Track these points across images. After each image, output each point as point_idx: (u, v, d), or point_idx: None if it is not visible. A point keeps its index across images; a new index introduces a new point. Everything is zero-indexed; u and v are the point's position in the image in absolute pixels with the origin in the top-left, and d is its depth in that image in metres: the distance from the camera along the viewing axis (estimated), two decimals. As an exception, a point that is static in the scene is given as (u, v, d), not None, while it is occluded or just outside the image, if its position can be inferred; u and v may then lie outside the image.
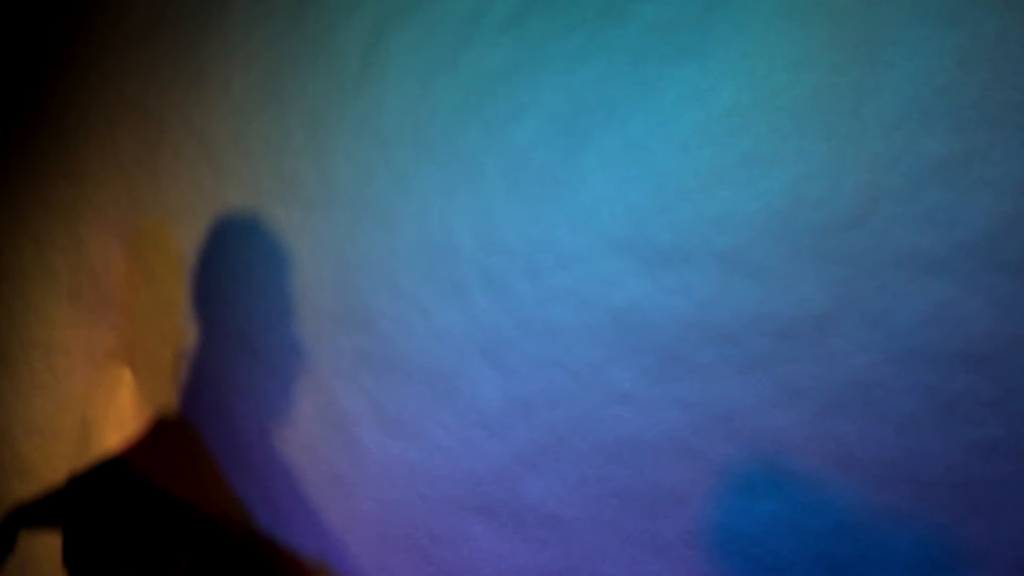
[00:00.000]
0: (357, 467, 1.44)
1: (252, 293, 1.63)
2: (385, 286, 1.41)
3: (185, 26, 1.83)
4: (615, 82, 1.15)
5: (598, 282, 1.16)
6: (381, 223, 1.42)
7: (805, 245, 1.00)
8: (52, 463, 2.02)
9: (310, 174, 1.53)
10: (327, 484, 1.48)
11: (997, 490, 0.89)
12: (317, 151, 1.52)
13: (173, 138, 1.83)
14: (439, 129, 1.34)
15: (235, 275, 1.67)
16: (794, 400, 1.01)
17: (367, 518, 1.42)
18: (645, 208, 1.12)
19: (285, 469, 1.55)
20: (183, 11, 1.84)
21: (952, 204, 0.91)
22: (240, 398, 1.65)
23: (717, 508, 1.06)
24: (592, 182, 1.17)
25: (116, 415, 1.91)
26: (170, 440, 1.77)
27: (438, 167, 1.34)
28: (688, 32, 1.09)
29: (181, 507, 1.50)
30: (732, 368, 1.05)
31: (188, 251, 1.78)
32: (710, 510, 1.07)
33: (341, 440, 1.46)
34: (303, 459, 1.52)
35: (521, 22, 1.25)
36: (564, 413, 1.19)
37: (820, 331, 0.99)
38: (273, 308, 1.59)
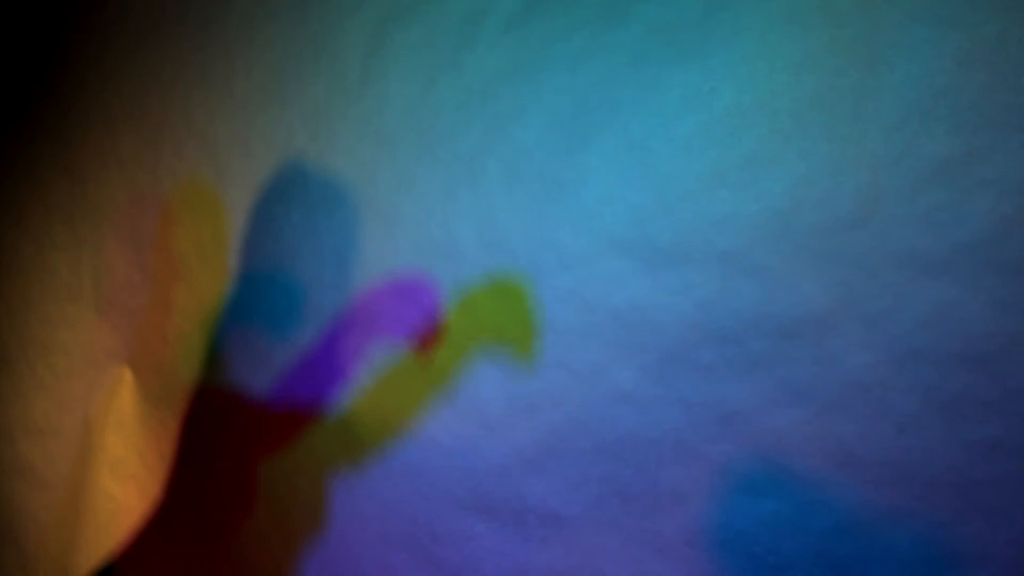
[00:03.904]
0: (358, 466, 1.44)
1: (254, 293, 1.63)
2: (384, 286, 1.41)
3: (187, 26, 1.82)
4: (617, 83, 1.15)
5: (600, 282, 1.16)
6: (383, 223, 1.42)
7: (806, 245, 1.00)
8: (52, 463, 2.02)
9: (312, 174, 1.53)
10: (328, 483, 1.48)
11: (997, 490, 0.89)
12: (319, 151, 1.52)
13: (174, 138, 1.83)
14: (441, 129, 1.34)
15: (237, 275, 1.67)
16: (795, 400, 1.01)
17: (368, 517, 1.42)
18: (647, 209, 1.12)
19: (286, 468, 1.55)
20: (185, 11, 1.83)
21: (952, 205, 0.91)
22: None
23: (718, 507, 1.06)
24: (594, 183, 1.17)
25: (116, 415, 1.90)
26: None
27: (440, 167, 1.34)
28: (689, 33, 1.09)
29: None
30: (733, 368, 1.05)
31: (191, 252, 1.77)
32: (711, 509, 1.07)
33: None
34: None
35: (523, 22, 1.25)
36: (565, 412, 1.19)
37: (821, 331, 0.99)
38: (275, 308, 1.59)
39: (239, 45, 1.69)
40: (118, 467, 1.88)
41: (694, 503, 1.08)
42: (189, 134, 1.79)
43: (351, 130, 1.47)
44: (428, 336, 1.33)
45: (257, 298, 1.62)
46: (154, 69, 1.90)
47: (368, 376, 1.43)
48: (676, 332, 1.09)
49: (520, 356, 1.20)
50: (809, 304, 1.00)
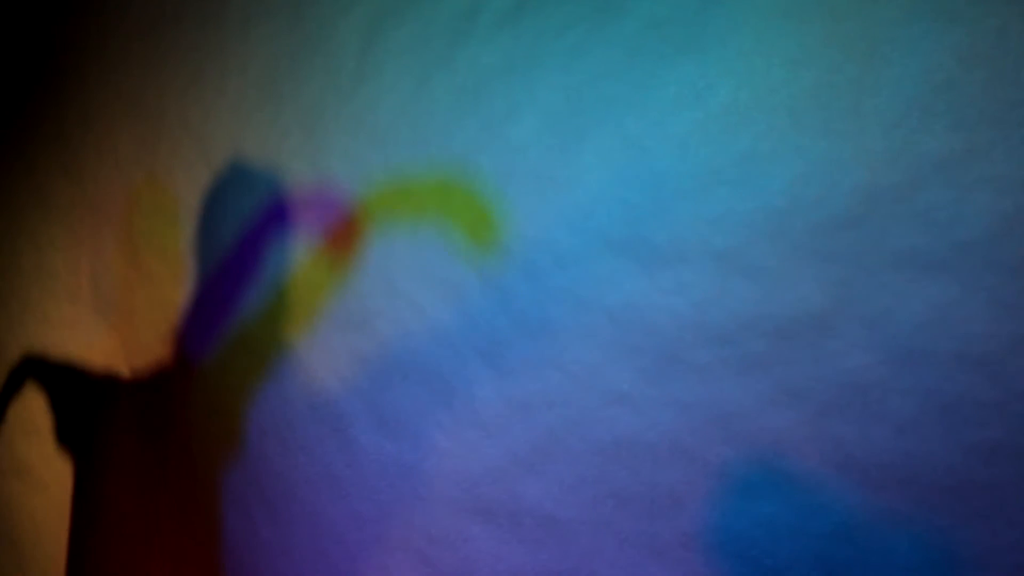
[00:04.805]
0: (354, 468, 1.44)
1: (249, 292, 1.63)
2: (381, 286, 1.41)
3: (183, 26, 1.82)
4: (612, 80, 1.14)
5: (595, 282, 1.15)
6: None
7: (803, 244, 0.99)
8: (50, 463, 2.02)
9: (306, 173, 1.53)
10: (324, 485, 1.48)
11: (997, 493, 0.88)
12: (313, 150, 1.52)
13: (171, 137, 1.83)
14: (435, 127, 1.34)
15: (233, 274, 1.67)
16: (792, 401, 1.00)
17: (364, 519, 1.42)
18: (642, 207, 1.11)
19: (282, 469, 1.55)
20: (181, 11, 1.83)
21: (952, 203, 0.90)
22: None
23: (715, 510, 1.06)
24: (589, 181, 1.16)
25: (114, 415, 1.90)
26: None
27: (434, 166, 1.34)
28: (685, 29, 1.08)
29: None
30: (730, 369, 1.04)
31: (185, 250, 1.78)
32: (708, 512, 1.06)
33: (337, 441, 1.46)
34: (299, 460, 1.52)
35: (517, 19, 1.24)
36: (561, 414, 1.19)
37: (818, 331, 0.98)
38: (270, 308, 1.59)
39: (234, 44, 1.69)
40: (116, 468, 1.88)
41: (691, 505, 1.07)
42: (185, 133, 1.79)
43: (345, 128, 1.47)
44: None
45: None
46: (151, 69, 1.90)
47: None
48: (672, 332, 1.09)
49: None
50: (807, 304, 0.99)
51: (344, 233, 1.37)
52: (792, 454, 1.00)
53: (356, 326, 1.44)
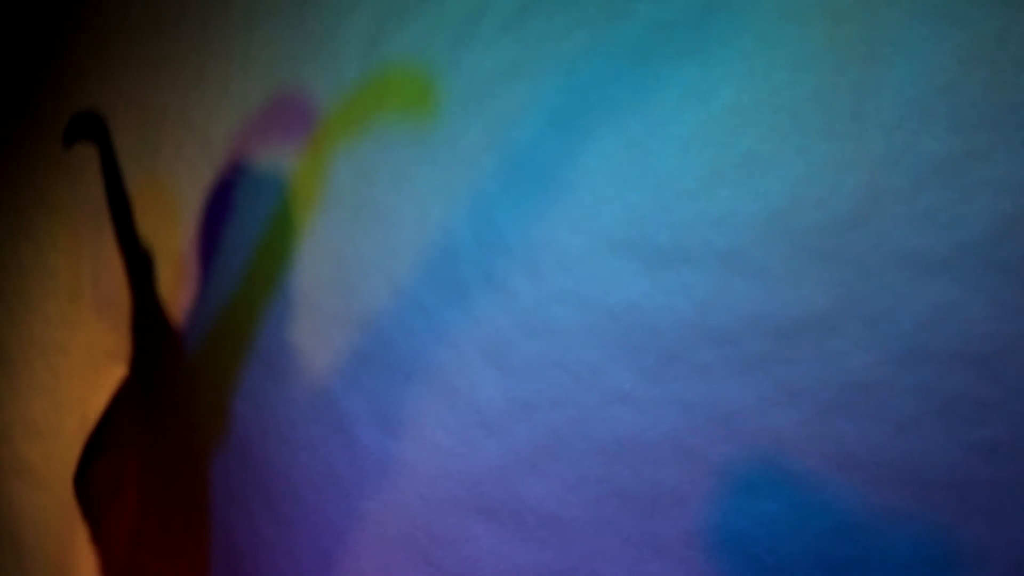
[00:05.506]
0: (356, 467, 1.44)
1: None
2: (385, 286, 1.41)
3: (185, 26, 1.83)
4: (615, 82, 1.15)
5: (598, 282, 1.16)
6: (381, 223, 1.42)
7: (805, 245, 1.00)
8: (51, 463, 2.02)
9: (310, 174, 1.53)
10: (326, 484, 1.48)
11: (998, 491, 0.88)
12: (317, 151, 1.52)
13: (173, 138, 1.83)
14: (439, 129, 1.34)
15: (234, 274, 1.67)
16: (794, 400, 1.01)
17: (366, 518, 1.42)
18: (645, 208, 1.12)
19: (284, 469, 1.55)
20: (183, 11, 1.84)
21: (953, 204, 0.91)
22: (239, 397, 1.65)
23: (717, 508, 1.06)
24: (592, 182, 1.17)
25: (115, 415, 1.90)
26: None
27: (438, 167, 1.34)
28: (689, 32, 1.09)
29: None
30: (732, 368, 1.05)
31: (187, 251, 1.78)
32: (710, 510, 1.07)
33: (340, 440, 1.46)
34: (302, 459, 1.52)
35: (521, 21, 1.25)
36: (564, 413, 1.19)
37: (820, 331, 0.99)
38: (273, 308, 1.59)
39: (237, 45, 1.69)
40: (117, 467, 1.87)
41: (693, 504, 1.08)
42: (187, 133, 1.79)
43: (348, 130, 1.47)
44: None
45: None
46: (153, 69, 1.90)
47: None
48: (674, 332, 1.09)
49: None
50: (808, 304, 1.00)
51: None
52: (793, 453, 1.01)
53: (359, 326, 1.45)
